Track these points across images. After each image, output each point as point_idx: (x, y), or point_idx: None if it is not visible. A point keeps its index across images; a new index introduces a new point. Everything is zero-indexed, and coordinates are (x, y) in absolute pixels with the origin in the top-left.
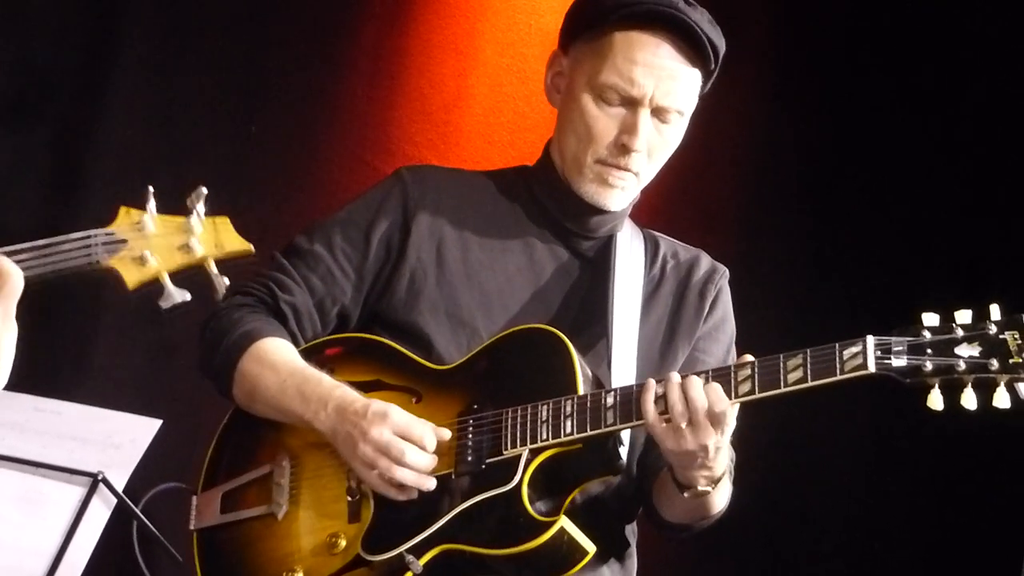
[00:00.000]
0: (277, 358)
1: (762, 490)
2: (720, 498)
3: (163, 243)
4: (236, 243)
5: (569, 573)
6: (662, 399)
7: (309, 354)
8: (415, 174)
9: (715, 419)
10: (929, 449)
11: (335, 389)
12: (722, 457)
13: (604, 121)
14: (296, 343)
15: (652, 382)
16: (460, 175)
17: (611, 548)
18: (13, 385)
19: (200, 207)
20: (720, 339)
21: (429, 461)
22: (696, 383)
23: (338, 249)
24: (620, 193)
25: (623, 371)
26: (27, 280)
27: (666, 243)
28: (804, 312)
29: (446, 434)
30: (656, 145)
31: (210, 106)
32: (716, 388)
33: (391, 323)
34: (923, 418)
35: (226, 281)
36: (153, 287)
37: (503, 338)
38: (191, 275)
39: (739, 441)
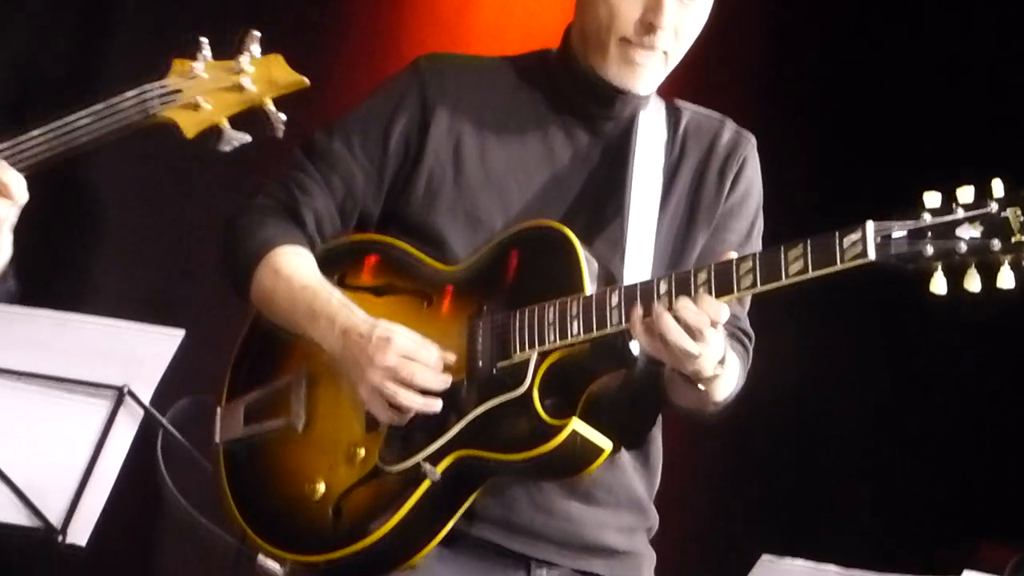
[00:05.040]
0: (292, 271)
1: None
2: (726, 383)
3: (216, 87)
4: (290, 78)
5: (587, 471)
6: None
7: (325, 256)
8: (433, 66)
9: (712, 327)
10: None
11: (343, 309)
12: (716, 342)
13: (627, 0)
14: (315, 247)
15: (638, 313)
16: (479, 64)
17: (632, 439)
18: (34, 301)
19: (254, 47)
20: (743, 214)
21: (439, 382)
22: (687, 307)
23: (358, 148)
24: (647, 73)
25: (638, 260)
26: (90, 143)
27: (689, 113)
28: (820, 173)
29: (451, 356)
30: (682, 22)
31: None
32: (711, 303)
33: (409, 224)
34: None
35: (283, 117)
36: (212, 132)
37: (511, 236)
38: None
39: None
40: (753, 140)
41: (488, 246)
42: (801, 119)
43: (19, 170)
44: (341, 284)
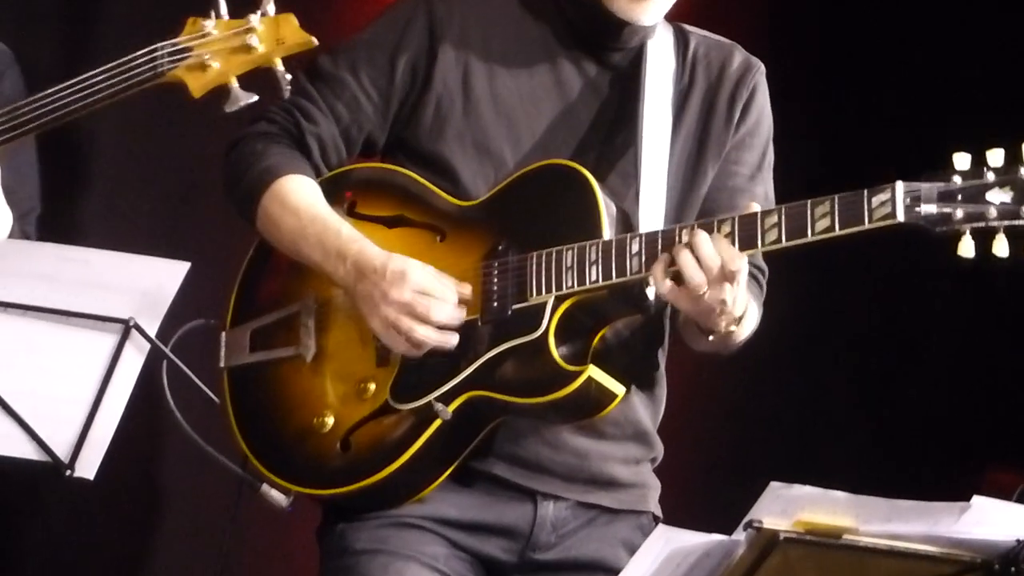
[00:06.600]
0: (299, 201)
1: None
2: (745, 329)
3: (225, 47)
4: (299, 37)
5: (600, 415)
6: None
7: (333, 184)
8: None
9: (729, 276)
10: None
11: (353, 243)
12: (740, 301)
13: None
14: (320, 175)
15: (662, 259)
16: None
17: (640, 375)
18: (40, 235)
19: (269, 6)
20: (753, 144)
21: (455, 316)
22: (704, 243)
23: (363, 74)
24: (651, 5)
25: (652, 194)
26: (103, 103)
27: (697, 39)
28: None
29: (467, 289)
30: None
31: None
32: (727, 246)
33: (417, 152)
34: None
35: (289, 77)
36: (219, 92)
37: (528, 173)
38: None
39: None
40: (763, 68)
41: (504, 183)
42: (808, 53)
43: (38, 129)
44: (351, 213)
